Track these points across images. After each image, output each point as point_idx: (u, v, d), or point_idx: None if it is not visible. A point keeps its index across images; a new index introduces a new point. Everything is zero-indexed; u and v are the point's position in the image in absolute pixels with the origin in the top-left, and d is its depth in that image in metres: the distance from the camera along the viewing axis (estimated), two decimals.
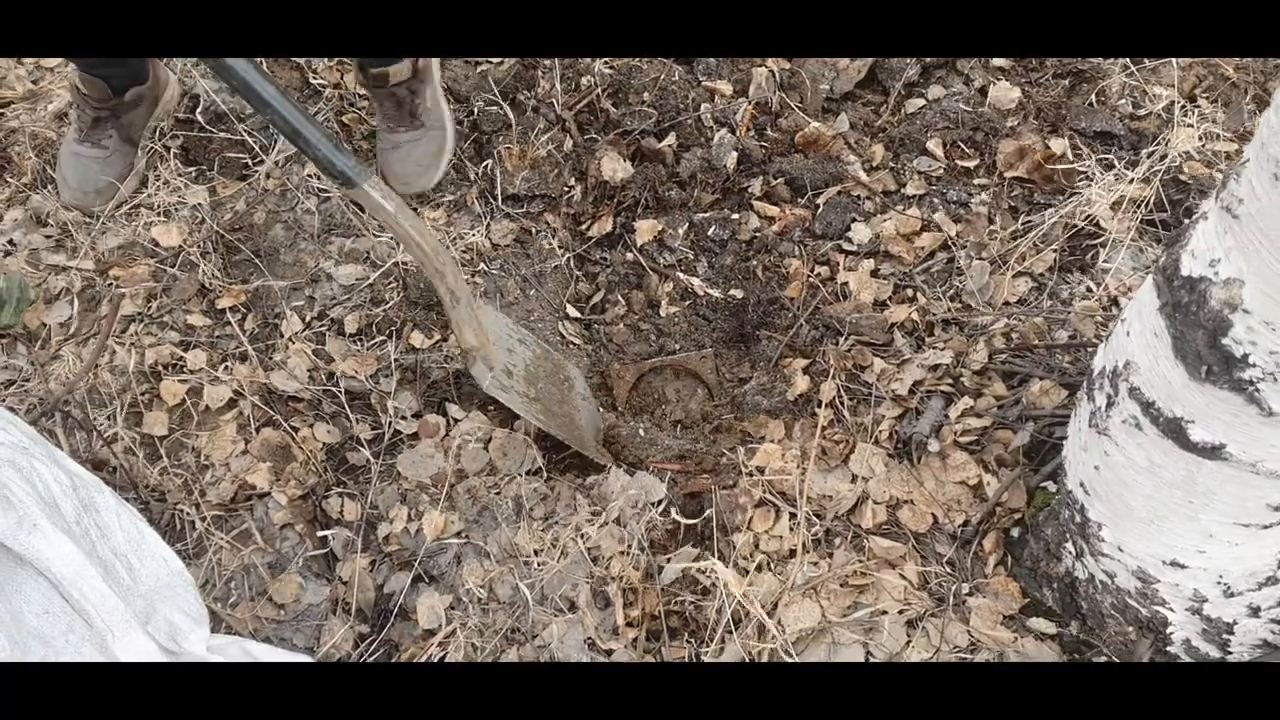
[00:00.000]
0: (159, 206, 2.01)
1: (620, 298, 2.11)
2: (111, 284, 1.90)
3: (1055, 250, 1.97)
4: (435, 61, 2.11)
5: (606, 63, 2.23)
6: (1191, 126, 2.15)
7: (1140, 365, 1.12)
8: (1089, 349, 1.70)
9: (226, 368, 1.84)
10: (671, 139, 2.16)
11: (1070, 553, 1.38)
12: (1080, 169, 2.09)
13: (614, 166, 2.09)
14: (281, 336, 1.89)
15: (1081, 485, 1.28)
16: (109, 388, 1.78)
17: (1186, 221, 1.19)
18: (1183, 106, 2.19)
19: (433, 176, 2.08)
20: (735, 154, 2.16)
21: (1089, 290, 1.93)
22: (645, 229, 2.12)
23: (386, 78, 1.98)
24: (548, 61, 2.21)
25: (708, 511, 1.67)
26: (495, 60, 2.22)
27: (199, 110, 2.13)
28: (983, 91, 2.26)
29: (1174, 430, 1.09)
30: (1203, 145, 2.11)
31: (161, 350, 1.83)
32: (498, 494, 1.73)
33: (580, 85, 2.18)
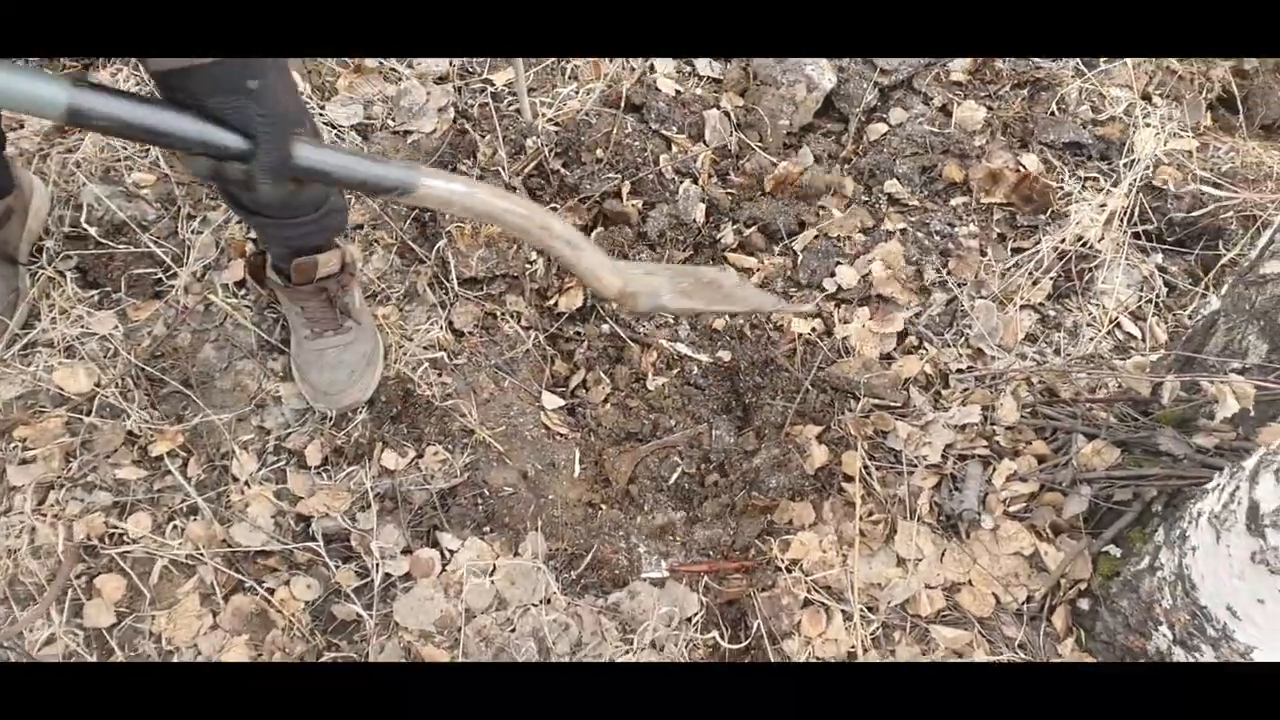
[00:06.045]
0: (59, 343, 1.71)
1: (603, 374, 1.93)
2: (17, 447, 1.61)
3: (1051, 277, 1.90)
4: (359, 257, 1.81)
5: (550, 120, 2.03)
6: (1153, 126, 2.11)
7: None
8: (1127, 401, 1.61)
9: (176, 528, 1.58)
10: (627, 189, 1.98)
11: (1166, 637, 1.30)
12: (1058, 185, 2.02)
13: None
14: (234, 480, 1.64)
15: (1229, 609, 1.18)
16: (35, 577, 1.51)
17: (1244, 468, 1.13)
18: (1141, 107, 2.15)
19: (368, 385, 1.72)
20: (702, 205, 2.01)
21: (1093, 317, 1.86)
22: None
23: (314, 268, 1.62)
24: (486, 125, 1.99)
25: (754, 623, 1.52)
26: (427, 130, 1.99)
27: (86, 219, 1.83)
28: (945, 110, 2.17)
29: None
30: (1169, 148, 2.07)
31: (93, 519, 1.56)
32: (512, 631, 1.55)
33: (525, 148, 1.98)
